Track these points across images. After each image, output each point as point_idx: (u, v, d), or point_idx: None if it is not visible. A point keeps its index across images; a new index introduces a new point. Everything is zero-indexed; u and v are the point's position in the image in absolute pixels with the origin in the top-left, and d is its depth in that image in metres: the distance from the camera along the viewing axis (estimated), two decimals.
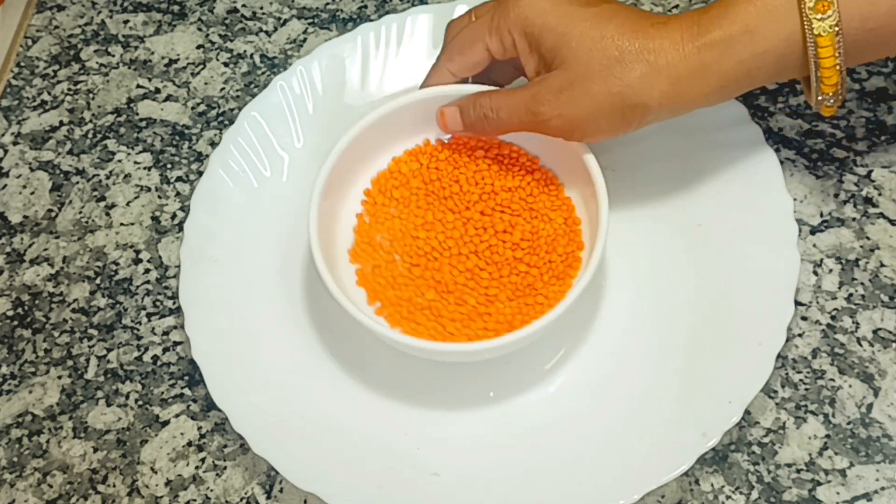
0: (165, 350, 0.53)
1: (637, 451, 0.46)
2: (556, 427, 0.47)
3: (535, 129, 0.47)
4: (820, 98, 0.45)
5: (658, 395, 0.47)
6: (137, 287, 0.55)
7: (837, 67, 0.43)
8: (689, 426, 0.45)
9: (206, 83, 0.62)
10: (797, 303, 0.50)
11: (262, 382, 0.49)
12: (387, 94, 0.58)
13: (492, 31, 0.48)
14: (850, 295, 0.50)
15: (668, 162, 0.54)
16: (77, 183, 0.59)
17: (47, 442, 0.51)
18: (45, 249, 0.57)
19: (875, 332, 0.49)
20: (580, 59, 0.45)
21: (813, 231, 0.52)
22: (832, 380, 0.48)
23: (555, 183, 0.51)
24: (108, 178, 0.59)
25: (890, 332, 0.49)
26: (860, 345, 0.49)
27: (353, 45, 0.59)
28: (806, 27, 0.42)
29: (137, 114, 0.62)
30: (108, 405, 0.51)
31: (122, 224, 0.57)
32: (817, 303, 0.50)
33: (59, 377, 0.52)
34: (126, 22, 0.66)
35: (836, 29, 0.42)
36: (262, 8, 0.65)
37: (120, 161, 0.60)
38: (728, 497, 0.46)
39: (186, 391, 0.51)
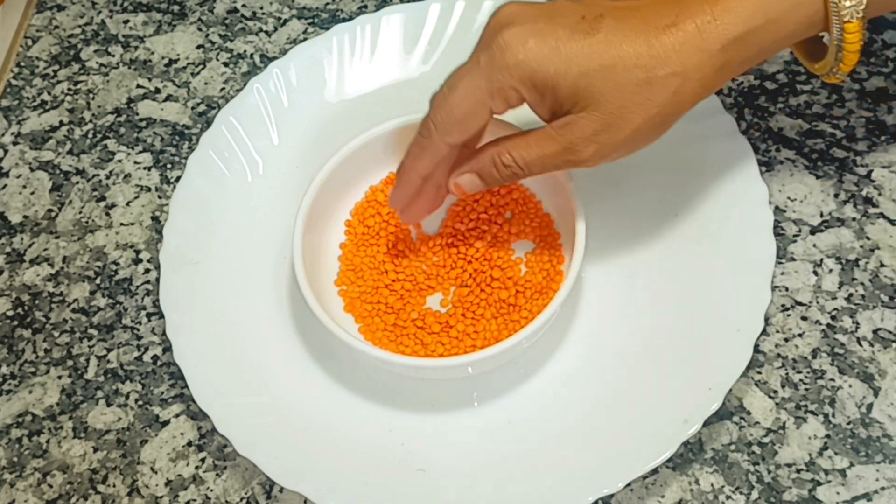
0: (165, 350, 0.53)
1: (619, 441, 0.46)
2: (538, 420, 0.48)
3: (569, 168, 0.45)
4: (833, 72, 0.44)
5: (638, 384, 0.48)
6: (137, 287, 0.55)
7: (859, 47, 0.42)
8: (671, 414, 0.46)
9: (206, 83, 0.62)
10: (797, 303, 0.50)
11: (246, 384, 0.49)
12: (363, 93, 0.58)
13: (493, 93, 0.43)
14: (850, 295, 0.50)
15: (643, 153, 0.53)
16: (77, 183, 0.59)
17: (47, 442, 0.51)
18: (45, 249, 0.57)
19: (875, 332, 0.49)
20: (607, 97, 0.41)
21: (813, 231, 0.52)
22: (832, 380, 0.48)
23: (532, 200, 0.52)
24: (108, 178, 0.59)
25: (890, 332, 0.49)
26: (860, 345, 0.49)
27: (328, 46, 0.59)
28: (833, 13, 0.41)
29: (137, 114, 0.62)
30: (108, 405, 0.51)
31: (122, 224, 0.57)
32: (817, 303, 0.50)
33: (59, 377, 0.52)
34: (126, 22, 0.66)
35: (864, 13, 0.41)
36: (262, 8, 0.65)
37: (120, 161, 0.60)
38: (728, 497, 0.46)
39: (186, 391, 0.51)
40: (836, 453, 0.46)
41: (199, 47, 0.64)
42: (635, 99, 0.42)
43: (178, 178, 0.59)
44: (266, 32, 0.64)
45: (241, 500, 0.48)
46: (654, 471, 0.46)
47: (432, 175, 0.46)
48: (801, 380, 0.48)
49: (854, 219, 0.52)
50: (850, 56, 0.43)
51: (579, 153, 0.43)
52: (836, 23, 0.42)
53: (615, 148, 0.43)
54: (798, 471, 0.46)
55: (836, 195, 0.53)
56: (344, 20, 0.64)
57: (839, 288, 0.51)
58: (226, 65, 0.63)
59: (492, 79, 0.42)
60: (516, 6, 0.43)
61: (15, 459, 0.50)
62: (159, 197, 0.58)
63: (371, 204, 0.53)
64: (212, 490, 0.48)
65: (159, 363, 0.52)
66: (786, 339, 0.49)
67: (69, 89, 0.63)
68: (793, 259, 0.51)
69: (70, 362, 0.53)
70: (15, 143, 0.61)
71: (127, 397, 0.52)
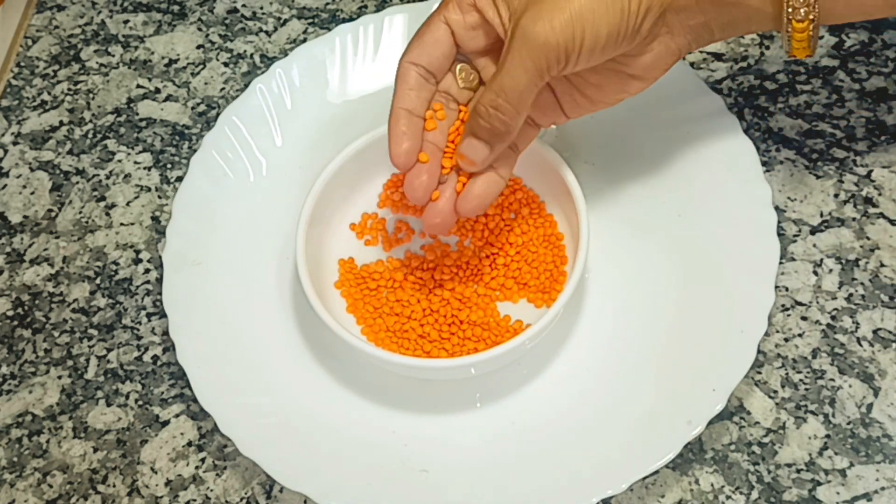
0: (165, 350, 0.53)
1: (623, 442, 0.46)
2: (542, 421, 0.48)
3: (540, 67, 0.40)
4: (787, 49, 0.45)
5: (642, 385, 0.48)
6: (137, 287, 0.55)
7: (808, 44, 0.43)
8: (674, 415, 0.46)
9: (206, 83, 0.62)
10: (797, 303, 0.50)
11: (249, 384, 0.49)
12: (366, 94, 0.58)
13: (447, 2, 0.43)
14: (850, 295, 0.50)
15: (647, 154, 0.54)
16: (77, 183, 0.59)
17: (47, 442, 0.51)
18: (45, 249, 0.57)
19: (875, 332, 0.49)
20: None
21: (813, 231, 0.52)
22: (832, 380, 0.48)
23: (536, 201, 0.52)
24: (108, 178, 0.59)
25: (890, 332, 0.49)
26: (860, 345, 0.49)
27: (330, 46, 0.59)
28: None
29: (137, 114, 0.62)
30: (108, 405, 0.51)
31: (122, 224, 0.57)
32: (817, 303, 0.50)
33: (59, 377, 0.52)
34: (126, 22, 0.66)
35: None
36: (262, 8, 0.65)
37: (120, 161, 0.60)
38: (728, 497, 0.46)
39: (186, 391, 0.51)
40: (836, 453, 0.46)
41: (199, 47, 0.64)
42: None
43: (178, 178, 0.59)
44: (266, 32, 0.64)
45: (241, 500, 0.48)
46: (654, 471, 0.46)
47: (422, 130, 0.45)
48: (801, 380, 0.48)
49: (854, 219, 0.52)
50: (798, 46, 0.44)
51: (531, 26, 0.39)
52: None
53: (567, 18, 0.40)
54: (798, 471, 0.46)
55: (836, 195, 0.53)
56: (344, 20, 0.64)
57: (839, 288, 0.51)
58: (226, 65, 0.63)
59: None
60: None
61: (15, 459, 0.50)
62: (159, 197, 0.58)
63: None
64: (212, 490, 0.48)
65: (159, 363, 0.52)
66: (786, 339, 0.49)
67: (69, 89, 0.63)
68: (793, 259, 0.52)
69: (70, 362, 0.53)
70: (15, 143, 0.61)
71: (127, 397, 0.52)
